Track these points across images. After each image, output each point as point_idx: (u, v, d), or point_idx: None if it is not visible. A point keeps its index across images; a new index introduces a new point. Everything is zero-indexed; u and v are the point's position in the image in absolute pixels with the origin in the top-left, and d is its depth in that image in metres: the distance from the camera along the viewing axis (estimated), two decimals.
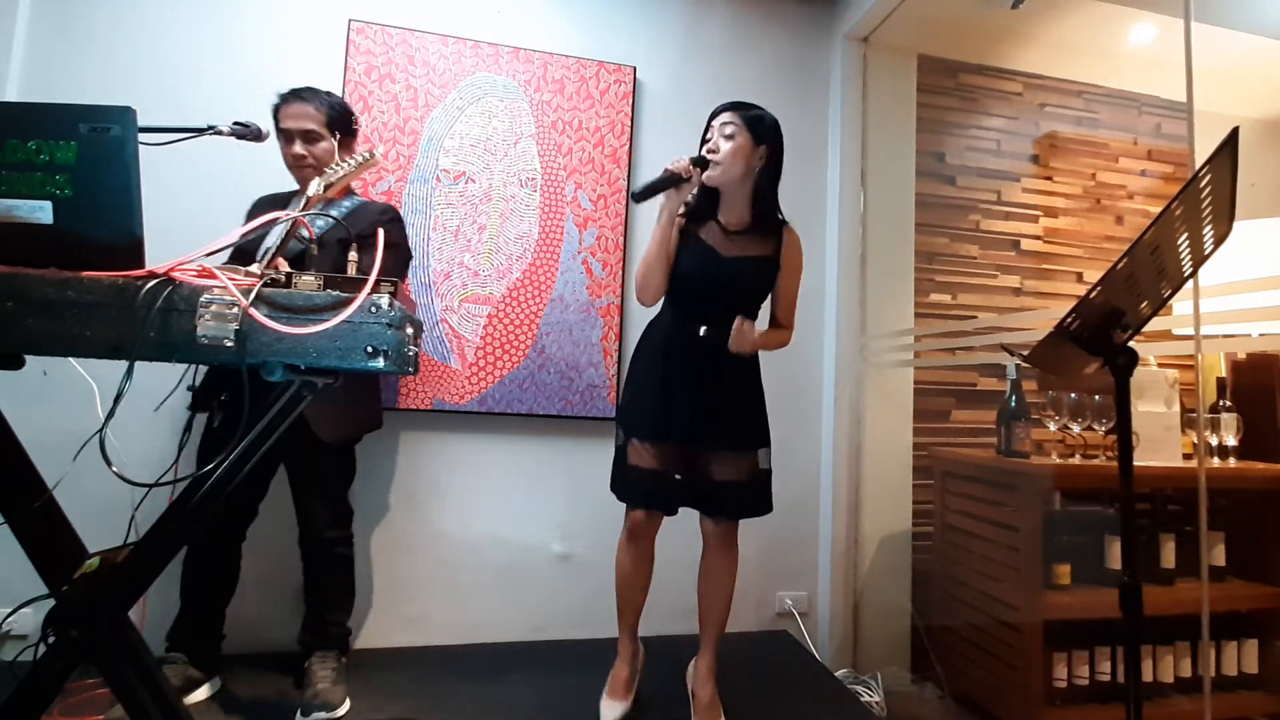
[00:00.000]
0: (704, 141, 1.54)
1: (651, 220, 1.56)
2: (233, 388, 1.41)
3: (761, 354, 1.61)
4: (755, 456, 1.59)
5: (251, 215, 1.66)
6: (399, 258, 1.71)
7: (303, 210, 1.35)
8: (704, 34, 2.34)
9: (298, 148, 1.58)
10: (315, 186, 1.35)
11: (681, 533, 1.68)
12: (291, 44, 2.01)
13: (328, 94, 1.65)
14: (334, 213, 1.62)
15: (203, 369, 1.46)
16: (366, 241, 1.02)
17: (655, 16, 2.30)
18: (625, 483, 1.61)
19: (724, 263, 1.53)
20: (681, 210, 1.54)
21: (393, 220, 1.69)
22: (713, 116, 1.54)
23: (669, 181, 1.43)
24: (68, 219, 0.87)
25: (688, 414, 1.53)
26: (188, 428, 1.22)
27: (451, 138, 2.08)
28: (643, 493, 1.58)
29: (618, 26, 2.27)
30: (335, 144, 1.62)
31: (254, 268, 0.96)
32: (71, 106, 0.85)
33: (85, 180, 0.86)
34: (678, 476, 1.57)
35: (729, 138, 1.48)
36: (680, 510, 1.62)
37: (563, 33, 2.21)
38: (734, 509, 1.60)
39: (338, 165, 1.38)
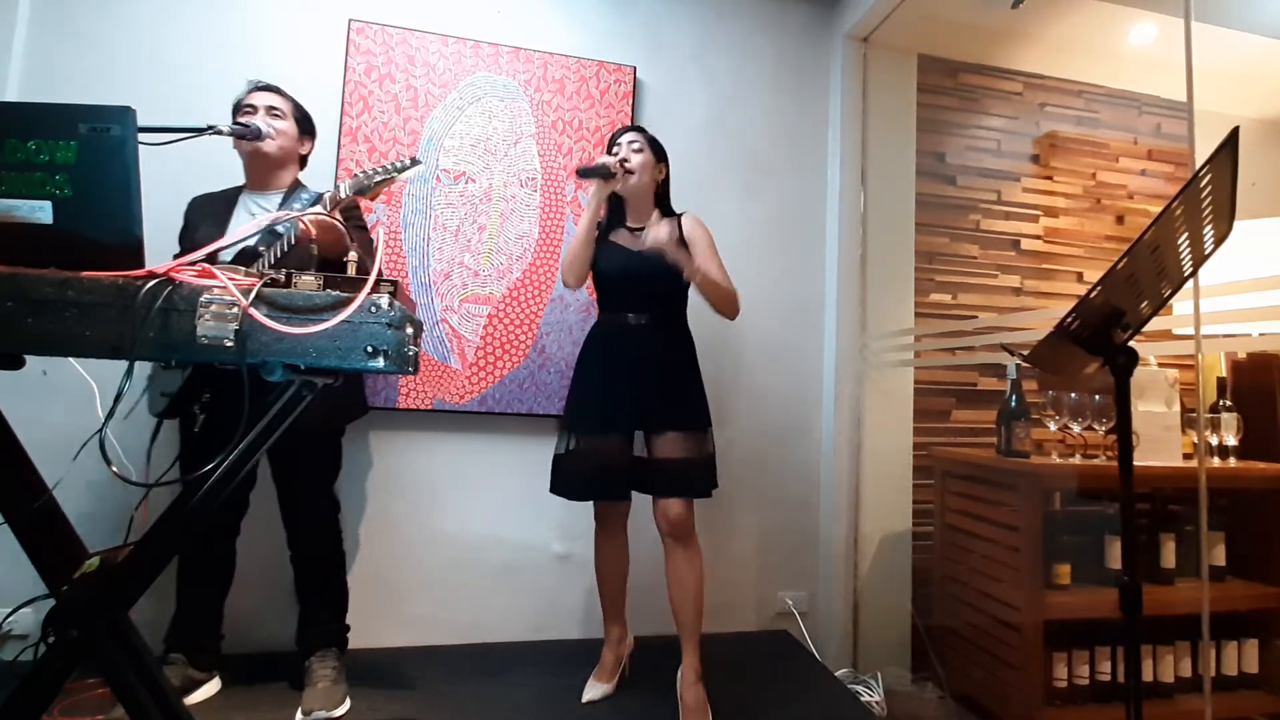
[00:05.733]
0: (610, 154, 1.73)
1: None
2: (214, 387, 1.33)
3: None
4: (700, 437, 1.66)
5: (190, 214, 1.65)
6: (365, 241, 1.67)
7: (312, 208, 1.35)
8: (704, 34, 2.34)
9: (260, 116, 1.59)
10: (345, 189, 1.35)
11: None
12: (291, 44, 2.01)
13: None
14: (296, 206, 1.62)
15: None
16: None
17: (655, 16, 2.30)
18: (567, 481, 1.69)
19: (638, 254, 1.67)
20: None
21: (351, 206, 1.65)
22: (618, 135, 1.76)
23: (603, 170, 1.63)
24: (68, 219, 0.86)
25: (630, 400, 1.62)
26: (154, 435, 1.17)
27: (451, 138, 2.08)
28: (585, 484, 1.66)
29: (618, 26, 2.26)
30: (296, 134, 1.65)
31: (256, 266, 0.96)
32: (71, 106, 0.85)
33: (85, 180, 0.86)
34: (619, 466, 1.62)
35: (638, 152, 1.71)
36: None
37: (563, 33, 2.21)
38: (681, 486, 1.62)
39: (375, 170, 1.34)
